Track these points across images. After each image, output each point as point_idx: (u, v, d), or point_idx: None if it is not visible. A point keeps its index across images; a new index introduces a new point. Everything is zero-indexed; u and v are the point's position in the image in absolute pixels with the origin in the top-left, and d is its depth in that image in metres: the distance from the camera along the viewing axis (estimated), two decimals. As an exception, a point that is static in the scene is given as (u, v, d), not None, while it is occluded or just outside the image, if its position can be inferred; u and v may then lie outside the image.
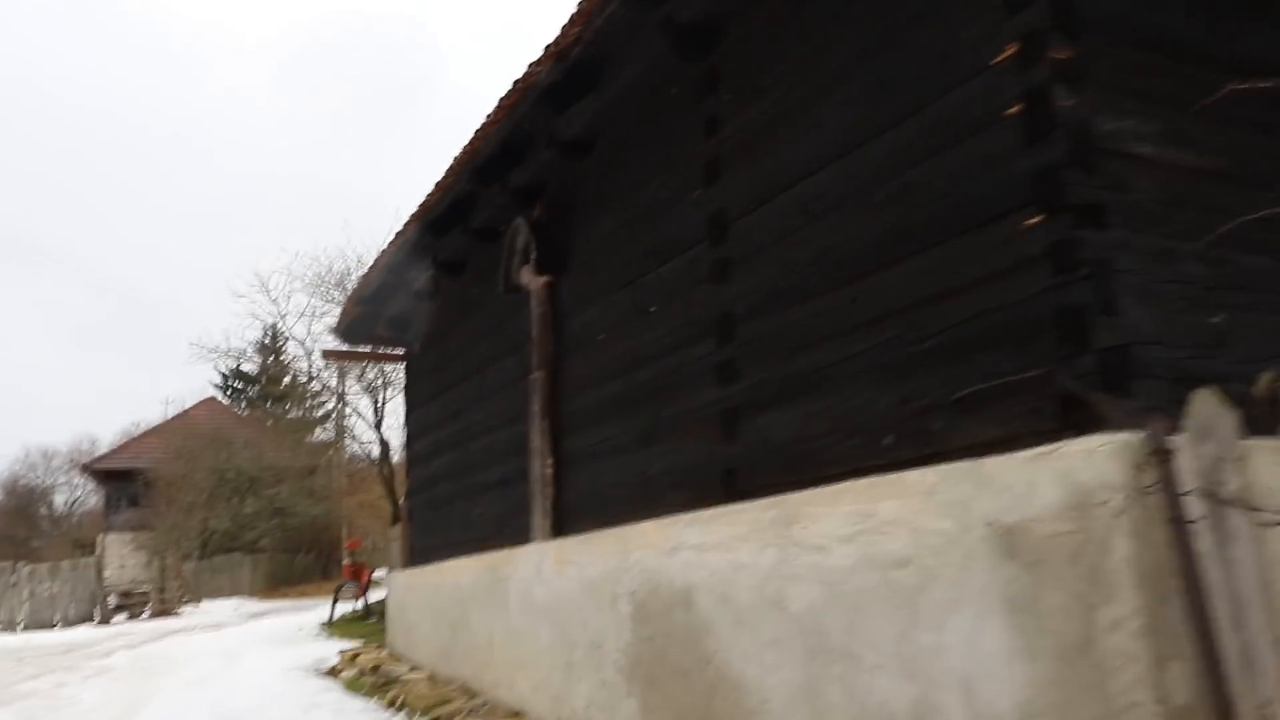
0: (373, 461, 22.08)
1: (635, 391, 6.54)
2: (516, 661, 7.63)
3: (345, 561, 21.21)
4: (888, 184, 4.58)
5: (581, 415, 7.30)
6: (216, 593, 30.58)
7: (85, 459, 43.31)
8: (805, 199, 5.08)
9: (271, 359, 48.48)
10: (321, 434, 36.49)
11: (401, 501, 18.79)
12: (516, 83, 6.50)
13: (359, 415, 20.49)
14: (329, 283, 20.34)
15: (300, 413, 46.89)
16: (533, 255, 7.75)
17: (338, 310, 17.89)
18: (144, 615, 24.89)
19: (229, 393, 48.35)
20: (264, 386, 48.72)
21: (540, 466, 7.55)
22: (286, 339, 26.89)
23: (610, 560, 6.29)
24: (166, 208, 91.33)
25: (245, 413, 42.76)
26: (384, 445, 20.47)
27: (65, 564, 24.48)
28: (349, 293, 14.28)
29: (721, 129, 5.82)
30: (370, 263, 16.67)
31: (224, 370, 48.49)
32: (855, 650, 4.21)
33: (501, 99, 6.73)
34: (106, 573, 25.06)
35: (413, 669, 9.60)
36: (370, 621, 18.20)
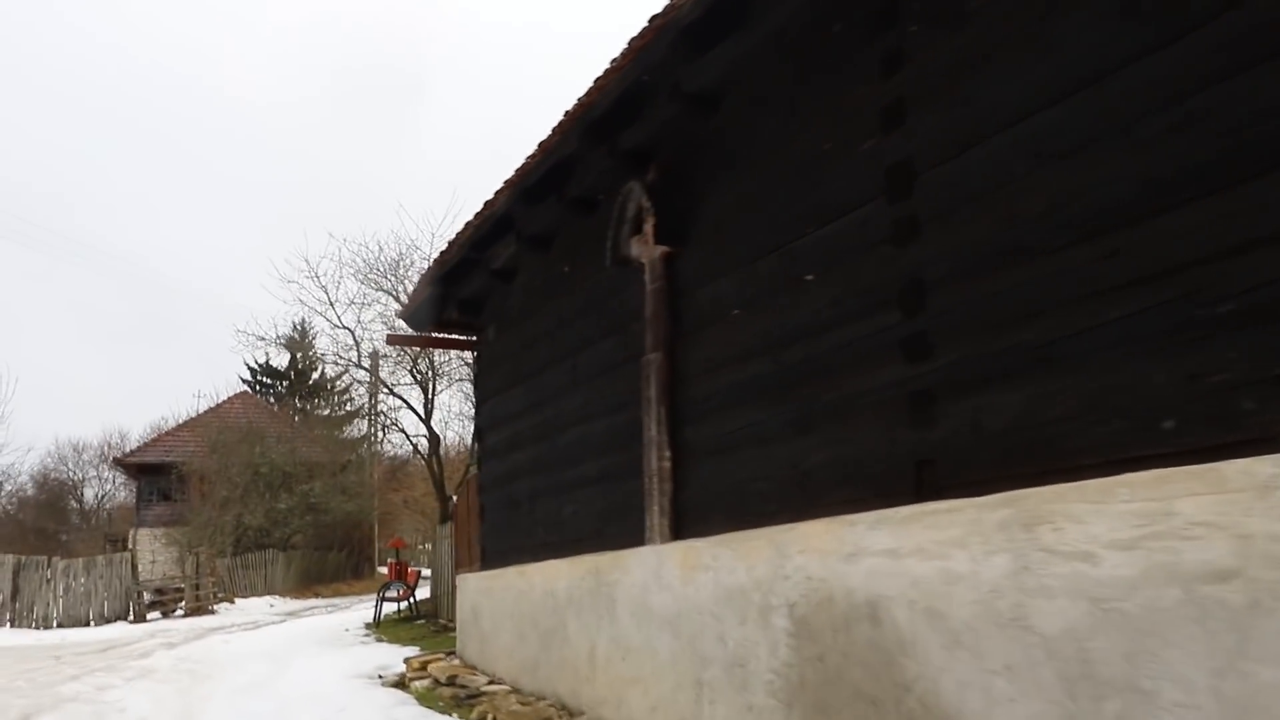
0: (421, 456, 21.35)
1: (784, 373, 5.72)
2: (627, 677, 6.84)
3: (390, 560, 20.49)
4: (1162, 115, 3.75)
5: (708, 402, 6.49)
6: (249, 590, 29.99)
7: (116, 452, 42.87)
8: (1033, 140, 4.25)
9: (301, 354, 48.12)
10: (356, 429, 35.94)
11: (453, 498, 18.07)
12: (653, 19, 5.69)
13: (408, 407, 19.76)
14: (380, 269, 19.61)
15: (329, 409, 46.42)
16: (648, 224, 6.95)
17: (387, 298, 17.19)
18: (178, 612, 24.29)
19: (258, 387, 47.95)
20: (293, 382, 48.32)
21: (656, 460, 6.74)
22: (315, 334, 26.27)
23: (759, 566, 5.48)
24: (196, 203, 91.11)
25: (275, 407, 42.21)
26: (434, 439, 19.73)
27: (100, 559, 23.90)
28: (418, 274, 13.56)
29: (904, 67, 5.00)
30: (439, 241, 15.93)
31: (253, 364, 48.12)
32: (1142, 684, 3.38)
33: (631, 40, 5.93)
34: (139, 568, 24.45)
35: (492, 681, 8.82)
36: (419, 624, 17.48)
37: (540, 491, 8.98)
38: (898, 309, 4.90)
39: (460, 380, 20.06)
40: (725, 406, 6.29)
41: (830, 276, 5.40)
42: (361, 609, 22.75)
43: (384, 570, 34.30)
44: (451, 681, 8.75)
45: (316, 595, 30.63)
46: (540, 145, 7.27)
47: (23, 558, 22.87)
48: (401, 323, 13.21)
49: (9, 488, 41.50)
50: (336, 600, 29.42)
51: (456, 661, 9.76)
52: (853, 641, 4.73)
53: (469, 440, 19.88)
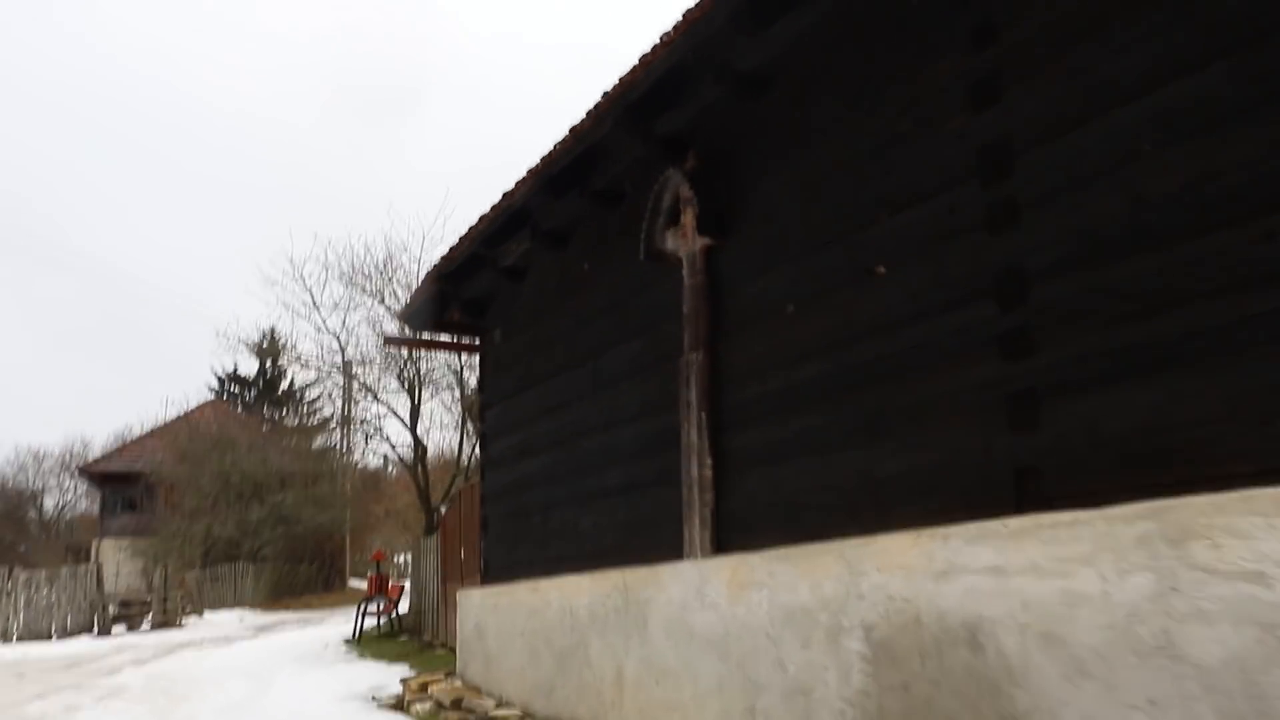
0: (406, 465, 20.70)
1: (849, 374, 5.27)
2: (661, 702, 6.33)
3: (369, 574, 19.82)
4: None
5: (755, 406, 6.01)
6: (218, 603, 29.08)
7: (79, 461, 41.68)
8: (1166, 113, 3.83)
9: (270, 361, 47.23)
10: (329, 439, 35.16)
11: (441, 509, 17.47)
12: (711, -11, 5.24)
13: (394, 414, 19.07)
14: (366, 272, 18.96)
15: (299, 418, 45.52)
16: (687, 215, 6.49)
17: (373, 301, 16.61)
18: (144, 626, 23.42)
19: (226, 396, 47.00)
20: (262, 390, 47.39)
21: (697, 467, 6.26)
22: (295, 339, 25.45)
23: (826, 583, 5.01)
24: (171, 209, 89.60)
25: (244, 416, 41.28)
26: (420, 448, 19.12)
27: (64, 571, 22.98)
28: (408, 276, 13.02)
29: (999, 38, 4.57)
30: (430, 243, 15.39)
31: (221, 372, 47.14)
32: (1333, 724, 2.94)
33: (687, 12, 5.47)
34: (104, 580, 23.56)
35: (500, 704, 8.28)
36: (402, 640, 16.84)
37: (555, 502, 8.46)
38: (993, 302, 4.46)
39: (448, 388, 19.49)
40: (776, 411, 5.82)
41: (907, 268, 4.95)
42: (335, 624, 22.02)
43: (357, 584, 33.45)
44: (457, 705, 8.20)
45: (287, 609, 29.78)
46: (571, 130, 6.78)
47: (-19, 569, 21.96)
48: (394, 326, 12.67)
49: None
50: (308, 614, 28.59)
51: (459, 683, 9.19)
52: (946, 669, 4.27)
53: (455, 449, 19.32)
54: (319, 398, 39.85)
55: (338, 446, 33.31)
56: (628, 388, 7.42)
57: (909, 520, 4.64)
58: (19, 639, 21.20)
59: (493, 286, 9.69)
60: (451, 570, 14.25)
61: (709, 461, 6.23)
